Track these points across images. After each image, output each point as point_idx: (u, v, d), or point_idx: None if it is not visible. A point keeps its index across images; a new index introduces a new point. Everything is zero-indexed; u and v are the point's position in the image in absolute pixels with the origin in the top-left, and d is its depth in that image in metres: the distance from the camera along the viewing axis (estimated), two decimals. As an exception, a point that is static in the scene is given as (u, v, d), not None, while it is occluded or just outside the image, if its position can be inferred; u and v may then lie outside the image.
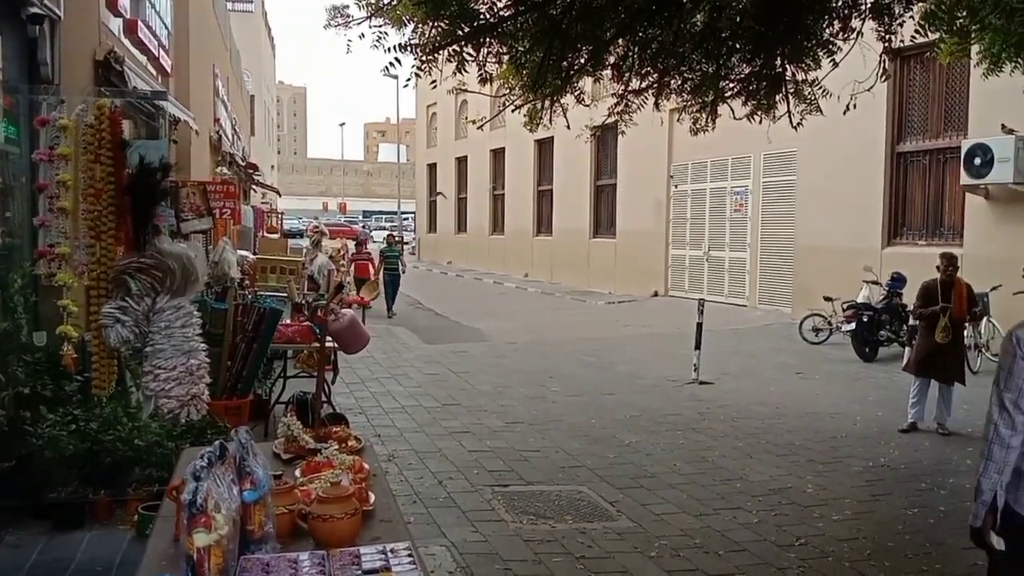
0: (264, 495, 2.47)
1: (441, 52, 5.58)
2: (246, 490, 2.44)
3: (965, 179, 11.87)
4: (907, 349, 11.75)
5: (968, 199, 12.37)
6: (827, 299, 12.96)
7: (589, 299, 20.18)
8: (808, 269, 15.04)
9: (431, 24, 5.60)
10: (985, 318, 11.02)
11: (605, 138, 19.47)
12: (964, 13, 5.83)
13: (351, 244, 19.12)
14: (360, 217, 69.20)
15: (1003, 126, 11.27)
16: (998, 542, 2.90)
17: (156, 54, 10.35)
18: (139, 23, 9.37)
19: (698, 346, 10.29)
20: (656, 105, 7.17)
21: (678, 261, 19.56)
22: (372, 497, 2.88)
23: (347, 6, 6.03)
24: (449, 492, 5.98)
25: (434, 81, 5.72)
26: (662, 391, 9.78)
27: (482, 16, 5.55)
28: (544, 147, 24.75)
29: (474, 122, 8.39)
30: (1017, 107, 9.64)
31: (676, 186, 19.40)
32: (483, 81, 5.98)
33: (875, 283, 12.54)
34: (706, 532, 5.35)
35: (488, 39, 5.64)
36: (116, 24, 8.61)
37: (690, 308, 11.57)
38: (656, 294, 19.79)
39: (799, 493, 6.17)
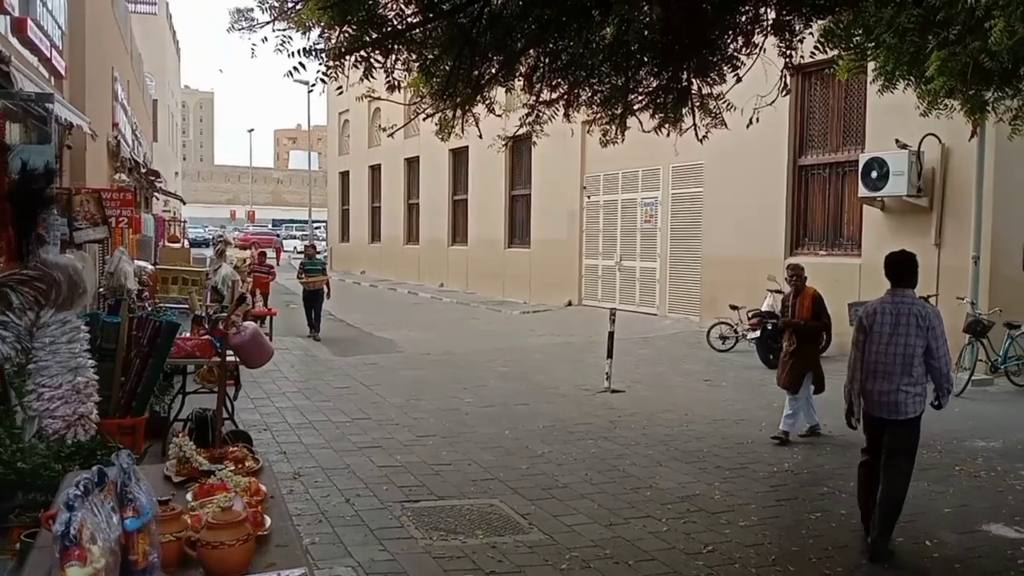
0: (148, 523, 2.32)
1: (348, 58, 5.45)
2: (128, 518, 2.29)
3: (863, 192, 12.36)
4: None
5: (866, 211, 12.88)
6: (733, 308, 13.31)
7: (504, 309, 20.20)
8: (715, 279, 15.41)
9: (337, 29, 5.46)
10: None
11: (519, 148, 19.55)
12: (860, 31, 6.04)
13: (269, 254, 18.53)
14: (270, 226, 67.70)
15: (897, 141, 11.79)
16: (856, 423, 5.41)
17: (48, 55, 9.83)
18: (28, 22, 8.87)
19: (610, 355, 10.39)
20: (567, 116, 7.18)
21: (591, 271, 19.77)
22: (268, 521, 2.75)
23: (251, 9, 5.84)
24: (357, 510, 5.82)
25: (340, 87, 5.59)
26: (575, 400, 9.81)
27: (390, 22, 5.45)
28: (459, 156, 24.70)
29: (385, 129, 8.24)
30: (910, 123, 10.09)
31: (589, 197, 19.61)
32: (391, 88, 5.87)
33: (778, 292, 12.89)
34: (616, 542, 5.36)
35: (396, 46, 5.55)
36: (2, 22, 8.14)
37: (603, 317, 11.68)
38: (570, 303, 19.95)
39: (707, 500, 6.26)
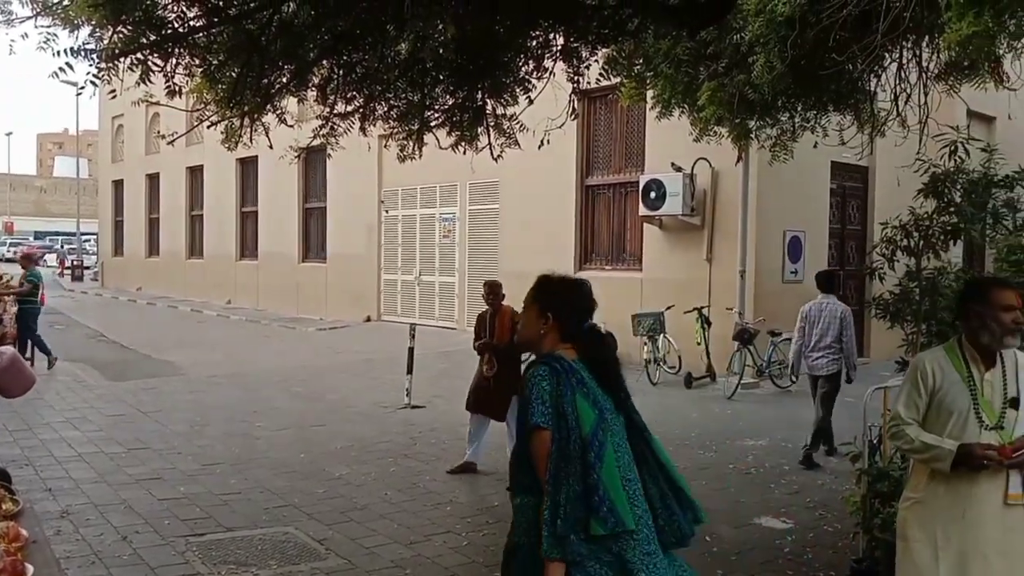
0: None
1: (123, 60, 5.03)
2: None
3: (643, 211, 13.20)
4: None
5: (646, 229, 13.74)
6: (528, 321, 13.68)
7: (299, 326, 19.56)
8: (511, 292, 15.53)
9: (110, 29, 5.03)
10: (662, 335, 12.28)
11: (313, 160, 19.07)
12: (641, 61, 6.44)
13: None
14: (32, 239, 61.50)
15: (673, 164, 12.71)
16: (795, 378, 9.93)
17: None
18: None
19: (410, 370, 10.33)
20: (363, 130, 7.08)
21: (390, 286, 19.62)
22: (30, 569, 2.47)
23: (9, 1, 5.27)
24: (135, 548, 5.36)
25: (113, 91, 5.15)
26: (374, 418, 9.66)
27: (170, 24, 5.10)
28: (247, 166, 23.68)
29: (164, 137, 7.70)
30: (684, 148, 10.91)
31: (387, 211, 19.49)
32: (172, 94, 5.48)
33: (570, 305, 13.45)
34: (417, 560, 5.31)
35: (177, 49, 5.20)
36: None
37: (403, 332, 11.61)
38: (369, 319, 19.68)
39: (506, 510, 6.27)
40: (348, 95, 6.57)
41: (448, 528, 5.92)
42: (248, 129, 6.49)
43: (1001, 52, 5.62)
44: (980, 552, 3.11)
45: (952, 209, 5.01)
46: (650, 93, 7.15)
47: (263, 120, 6.49)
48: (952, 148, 4.95)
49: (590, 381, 2.73)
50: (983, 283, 3.49)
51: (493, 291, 7.75)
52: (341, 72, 6.27)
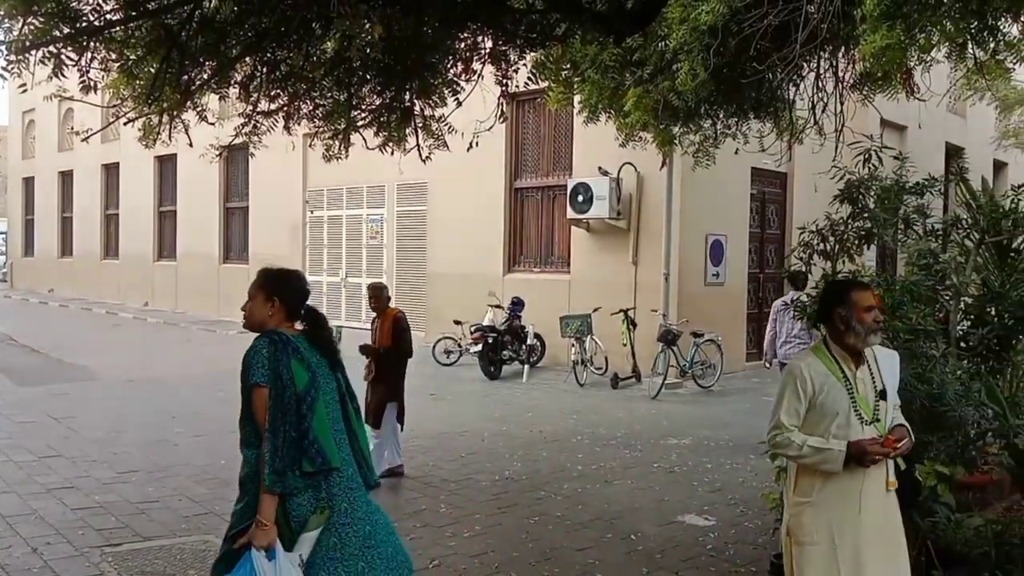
0: None
1: (34, 53, 4.82)
2: None
3: (571, 214, 13.33)
4: (526, 367, 12.85)
5: (574, 231, 13.88)
6: (457, 323, 13.69)
7: (220, 328, 19.07)
8: (439, 295, 15.75)
9: (21, 20, 4.81)
10: (589, 336, 12.41)
11: (235, 158, 18.67)
12: (568, 66, 6.51)
13: None
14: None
15: (600, 168, 12.87)
16: (768, 365, 9.49)
17: None
18: None
19: (334, 374, 10.17)
20: (287, 128, 6.96)
21: (315, 287, 19.24)
22: (-72, 590, 2.34)
23: (-93, -12, 4.98)
24: (47, 560, 5.15)
25: (24, 85, 4.93)
26: (298, 423, 9.47)
27: (85, 17, 4.91)
28: (165, 164, 22.99)
29: (79, 133, 7.41)
30: (611, 152, 11.06)
31: (312, 211, 19.19)
32: (87, 89, 5.28)
33: (498, 307, 13.53)
34: (344, 567, 5.22)
35: (93, 43, 5.01)
36: None
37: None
38: (292, 321, 19.33)
39: (433, 514, 6.32)
40: (272, 93, 6.44)
41: (375, 533, 5.84)
42: (167, 126, 6.31)
43: (912, 64, 5.87)
44: (871, 540, 3.28)
45: (866, 215, 5.20)
46: (577, 98, 7.22)
47: (183, 117, 6.32)
48: (866, 156, 5.14)
49: (306, 351, 3.25)
50: (844, 286, 3.53)
51: (375, 295, 7.41)
52: (265, 70, 6.14)
